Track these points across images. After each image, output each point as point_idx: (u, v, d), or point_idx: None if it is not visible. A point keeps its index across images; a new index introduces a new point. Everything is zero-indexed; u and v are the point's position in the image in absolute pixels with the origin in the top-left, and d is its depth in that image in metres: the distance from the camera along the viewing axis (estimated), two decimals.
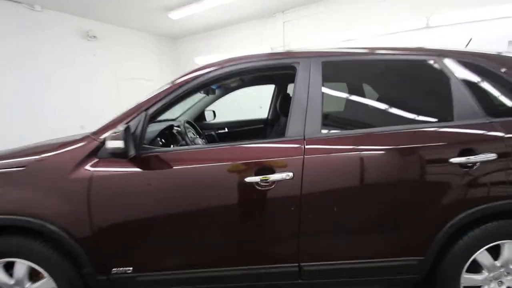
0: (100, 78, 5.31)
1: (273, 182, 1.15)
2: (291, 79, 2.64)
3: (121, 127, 1.10)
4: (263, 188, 1.16)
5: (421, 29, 4.10)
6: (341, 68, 1.33)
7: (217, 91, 2.62)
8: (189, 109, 2.77)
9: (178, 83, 1.28)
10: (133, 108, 1.26)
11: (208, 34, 6.25)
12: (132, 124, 1.19)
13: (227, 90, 2.66)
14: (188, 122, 2.29)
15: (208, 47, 6.27)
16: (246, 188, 1.17)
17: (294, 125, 1.22)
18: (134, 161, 1.18)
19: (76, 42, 4.94)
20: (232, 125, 2.85)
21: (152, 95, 1.28)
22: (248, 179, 1.15)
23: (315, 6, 4.89)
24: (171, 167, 1.20)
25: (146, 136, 1.71)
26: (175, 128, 1.85)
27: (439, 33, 4.00)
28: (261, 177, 1.15)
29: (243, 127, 2.84)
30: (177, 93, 1.27)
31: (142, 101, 1.28)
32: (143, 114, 1.21)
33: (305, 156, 1.16)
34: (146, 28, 5.91)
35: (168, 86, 1.29)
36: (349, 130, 1.23)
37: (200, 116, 2.81)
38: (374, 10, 4.40)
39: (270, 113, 2.86)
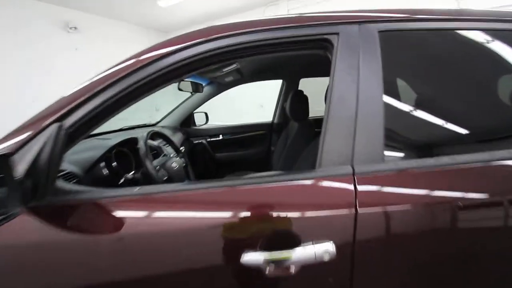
0: (84, 75, 4.70)
1: (296, 263, 0.58)
2: (304, 72, 2.07)
3: None
4: (275, 275, 0.59)
5: None
6: (416, 42, 0.75)
7: (206, 89, 2.04)
8: (173, 111, 2.20)
9: (141, 60, 0.69)
10: (35, 117, 0.69)
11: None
12: (25, 150, 0.63)
13: (221, 87, 2.08)
14: (156, 134, 1.57)
15: None
16: (244, 276, 0.60)
17: (332, 147, 0.64)
18: (39, 217, 0.62)
19: (54, 35, 4.34)
20: (228, 131, 2.27)
21: (80, 86, 0.70)
22: (247, 259, 0.58)
23: None
24: (113, 229, 0.63)
25: (82, 160, 1.08)
26: (141, 143, 1.23)
27: None
28: (268, 255, 0.57)
29: (242, 134, 2.26)
30: (134, 80, 0.67)
31: (57, 100, 0.71)
32: (53, 128, 0.65)
33: (358, 209, 0.59)
34: (133, 19, 5.31)
35: (119, 67, 0.70)
36: (442, 156, 0.65)
37: (189, 120, 2.24)
38: None
39: (277, 116, 2.28)
